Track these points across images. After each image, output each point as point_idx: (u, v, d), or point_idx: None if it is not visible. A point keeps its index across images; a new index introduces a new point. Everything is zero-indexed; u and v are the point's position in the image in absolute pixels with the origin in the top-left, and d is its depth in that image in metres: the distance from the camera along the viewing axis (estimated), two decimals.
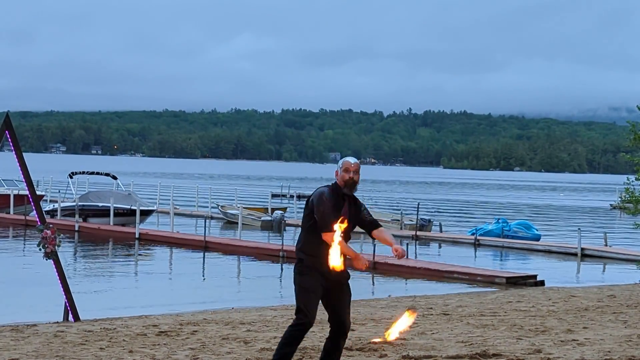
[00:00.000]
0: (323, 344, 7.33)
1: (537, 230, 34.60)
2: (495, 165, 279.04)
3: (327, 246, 6.86)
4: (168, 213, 35.07)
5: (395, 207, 51.48)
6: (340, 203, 6.92)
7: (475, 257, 28.96)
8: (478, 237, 32.29)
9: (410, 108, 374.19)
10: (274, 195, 49.35)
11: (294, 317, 6.93)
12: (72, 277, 18.17)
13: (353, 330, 10.91)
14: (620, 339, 10.23)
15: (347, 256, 6.96)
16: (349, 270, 7.05)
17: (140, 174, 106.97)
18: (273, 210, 40.67)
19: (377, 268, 23.32)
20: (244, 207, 35.87)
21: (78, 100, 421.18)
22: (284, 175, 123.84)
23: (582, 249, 28.97)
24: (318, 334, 10.01)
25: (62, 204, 36.72)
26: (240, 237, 29.88)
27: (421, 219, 36.08)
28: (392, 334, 9.28)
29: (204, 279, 22.67)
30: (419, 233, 33.62)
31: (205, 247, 28.00)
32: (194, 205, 45.42)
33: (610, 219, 54.96)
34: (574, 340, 10.08)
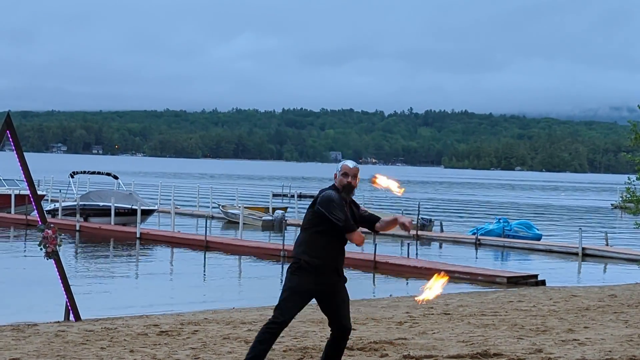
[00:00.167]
0: (324, 343, 7.32)
1: (538, 230, 34.59)
2: (496, 165, 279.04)
3: (332, 249, 6.84)
4: (169, 213, 35.07)
5: (396, 207, 51.49)
6: (344, 205, 6.93)
7: (476, 256, 28.96)
8: (479, 237, 32.28)
9: (411, 108, 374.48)
10: (275, 195, 49.38)
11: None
12: (73, 276, 18.16)
13: (354, 329, 10.91)
14: (621, 338, 10.23)
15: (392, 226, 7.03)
16: (345, 273, 7.05)
17: (141, 173, 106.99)
18: (274, 210, 40.68)
19: (377, 268, 23.32)
20: (245, 207, 35.87)
21: (79, 99, 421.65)
22: (285, 174, 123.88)
23: (583, 249, 28.97)
24: (319, 334, 10.02)
25: (63, 204, 36.73)
26: (241, 237, 29.89)
27: (422, 218, 36.08)
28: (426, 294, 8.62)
29: (204, 279, 22.67)
30: (419, 233, 33.61)
31: (206, 246, 28.00)
32: (195, 205, 45.43)
33: (611, 218, 54.94)
34: (575, 339, 10.08)
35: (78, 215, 33.66)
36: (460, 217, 50.51)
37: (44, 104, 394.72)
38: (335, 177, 6.99)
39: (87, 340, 9.71)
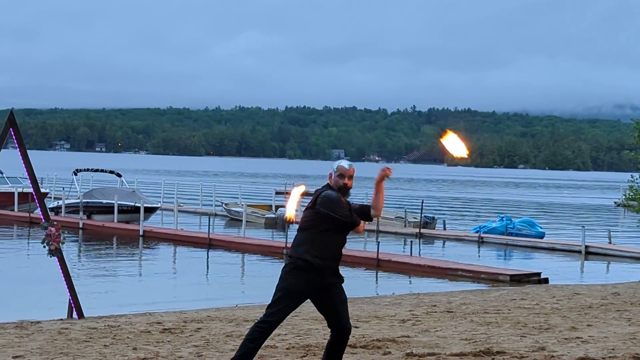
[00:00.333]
0: (327, 341, 7.31)
1: (541, 227, 34.56)
2: (499, 163, 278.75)
3: (334, 248, 6.84)
4: (172, 210, 35.09)
5: (399, 205, 51.48)
6: (344, 202, 6.94)
7: (479, 254, 28.94)
8: (482, 235, 32.26)
9: (414, 105, 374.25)
10: (277, 193, 49.39)
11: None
12: (76, 274, 18.19)
13: (357, 327, 10.91)
14: (624, 336, 10.22)
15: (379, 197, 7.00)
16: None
17: (144, 171, 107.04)
18: (277, 207, 40.67)
19: (380, 265, 23.32)
20: (247, 205, 35.89)
21: (82, 97, 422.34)
22: (288, 172, 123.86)
23: (586, 247, 28.93)
24: (322, 331, 10.03)
25: (66, 201, 36.76)
26: (244, 235, 29.89)
27: (425, 216, 36.07)
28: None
29: (207, 277, 22.68)
30: (422, 231, 33.62)
31: (209, 244, 28.01)
32: (198, 203, 45.45)
33: (615, 216, 54.89)
34: (578, 337, 10.08)
35: (81, 213, 33.68)
36: (463, 215, 50.48)
37: (47, 102, 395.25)
38: (330, 177, 6.94)
39: (90, 338, 9.72)
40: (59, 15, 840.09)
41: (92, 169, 41.76)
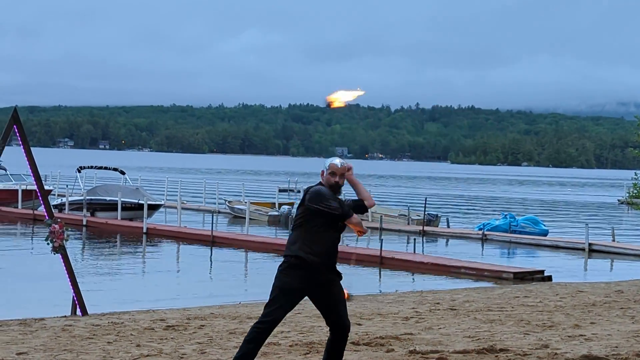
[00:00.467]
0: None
1: (544, 225, 34.53)
2: (503, 161, 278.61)
3: (328, 244, 6.78)
4: (176, 208, 35.11)
5: (403, 203, 51.47)
6: (335, 196, 6.89)
7: (483, 252, 28.93)
8: (485, 233, 32.24)
9: (417, 103, 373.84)
10: (281, 190, 49.38)
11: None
12: (79, 271, 18.22)
13: (360, 325, 10.92)
14: (628, 334, 10.22)
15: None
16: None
17: (147, 168, 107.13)
18: (280, 205, 40.69)
19: (384, 263, 23.32)
20: (251, 202, 35.89)
21: (86, 95, 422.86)
22: (291, 170, 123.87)
23: (590, 245, 28.90)
24: (325, 329, 10.02)
25: (70, 199, 36.81)
26: (248, 232, 29.91)
27: (428, 214, 36.06)
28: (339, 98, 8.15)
29: (211, 274, 22.70)
30: (426, 228, 33.61)
31: (212, 241, 28.03)
32: (202, 200, 45.48)
33: (618, 214, 54.84)
34: (581, 335, 10.08)
35: (85, 210, 33.72)
36: (467, 212, 50.47)
37: (50, 99, 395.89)
38: (322, 175, 6.92)
39: (93, 335, 9.74)
40: (63, 12, 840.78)
41: (95, 167, 41.80)
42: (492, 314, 12.27)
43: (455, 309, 12.83)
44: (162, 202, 37.16)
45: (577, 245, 29.60)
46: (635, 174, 22.99)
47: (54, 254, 12.05)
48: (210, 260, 24.99)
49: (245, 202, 35.51)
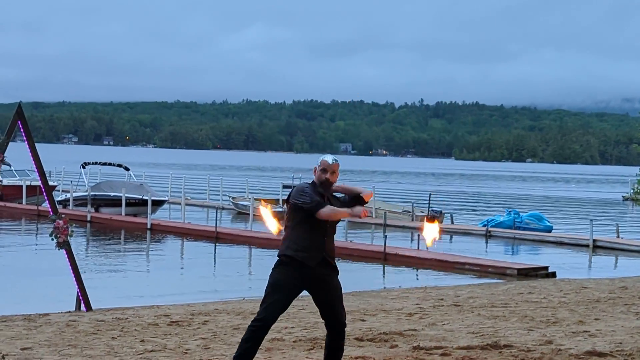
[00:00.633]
0: None
1: (548, 221, 34.50)
2: (507, 157, 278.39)
3: (315, 238, 6.74)
4: (180, 204, 35.13)
5: (407, 199, 51.45)
6: (316, 193, 6.82)
7: (487, 248, 28.92)
8: (489, 229, 32.23)
9: (422, 99, 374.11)
10: (285, 187, 49.38)
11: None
12: (84, 267, 18.24)
13: (364, 321, 10.93)
14: (632, 330, 10.21)
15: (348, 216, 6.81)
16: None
17: (151, 164, 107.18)
18: (284, 201, 40.64)
19: (388, 259, 23.32)
20: (255, 198, 35.88)
21: (90, 91, 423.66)
22: (295, 166, 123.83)
23: (594, 241, 28.88)
24: None
25: (74, 194, 36.84)
26: (252, 228, 29.92)
27: (432, 210, 36.05)
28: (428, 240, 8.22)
29: (215, 270, 22.72)
30: None
31: (216, 237, 28.05)
32: (206, 196, 45.50)
33: (623, 210, 54.78)
34: (585, 331, 10.07)
35: (89, 206, 33.76)
36: (471, 209, 50.44)
37: (55, 95, 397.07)
38: (315, 172, 6.91)
39: (98, 330, 9.75)
40: (67, 8, 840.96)
41: (100, 162, 41.82)
42: (496, 310, 12.27)
43: (459, 305, 12.83)
44: (166, 198, 37.19)
45: (582, 242, 29.58)
46: None
47: (58, 249, 12.07)
48: (214, 256, 25.01)
49: (249, 198, 35.52)
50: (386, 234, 25.99)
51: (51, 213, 12.07)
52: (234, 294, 16.47)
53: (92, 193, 34.99)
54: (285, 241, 6.87)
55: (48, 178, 13.01)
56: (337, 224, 7.00)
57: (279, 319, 6.96)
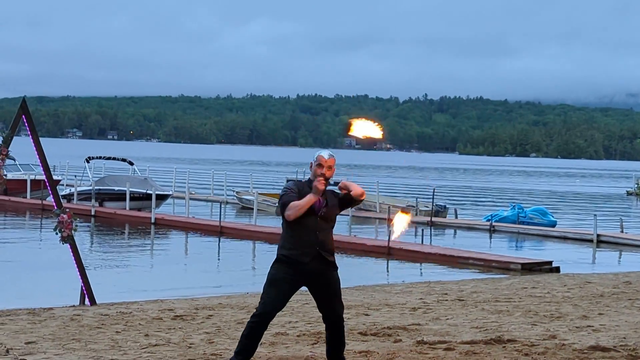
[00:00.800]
0: None
1: (552, 216, 34.46)
2: (511, 152, 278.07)
3: (305, 235, 6.74)
4: (184, 198, 35.15)
5: (411, 193, 51.42)
6: (297, 189, 6.83)
7: (491, 243, 28.90)
8: (493, 224, 32.20)
9: (426, 94, 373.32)
10: (289, 181, 49.37)
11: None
12: (88, 261, 18.27)
13: (368, 315, 10.94)
14: (636, 325, 10.21)
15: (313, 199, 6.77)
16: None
17: (156, 159, 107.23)
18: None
19: (391, 254, 23.33)
20: (259, 193, 35.91)
21: (94, 85, 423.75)
22: (299, 160, 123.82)
23: (598, 235, 28.84)
24: None
25: (79, 189, 36.87)
26: (256, 223, 29.92)
27: (436, 205, 36.00)
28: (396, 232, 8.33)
29: (219, 264, 22.74)
30: (434, 219, 33.57)
31: (220, 232, 28.06)
32: (210, 191, 45.51)
33: (627, 205, 54.71)
34: (589, 326, 10.07)
35: (93, 200, 33.79)
36: (475, 203, 50.41)
37: (59, 90, 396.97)
38: (311, 167, 6.91)
39: (102, 324, 9.77)
40: (72, 3, 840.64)
41: (104, 157, 41.85)
42: (499, 304, 12.27)
43: (463, 300, 12.83)
44: (170, 193, 37.20)
45: (586, 237, 29.54)
46: None
47: (63, 243, 12.09)
48: (218, 251, 25.03)
49: (253, 193, 35.52)
50: (390, 229, 25.98)
51: (55, 207, 12.09)
52: (237, 288, 16.49)
53: (96, 187, 35.02)
54: (280, 240, 6.94)
55: (52, 172, 13.03)
56: (335, 217, 6.95)
57: (282, 313, 6.98)
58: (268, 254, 24.42)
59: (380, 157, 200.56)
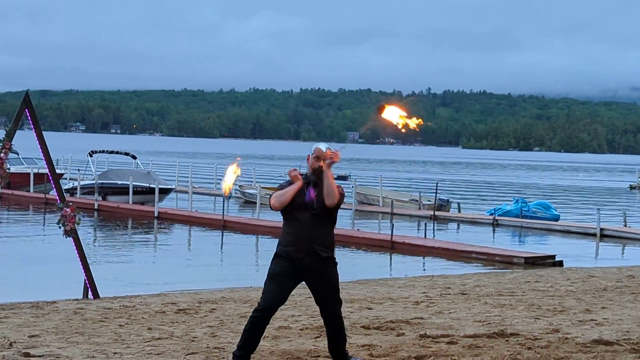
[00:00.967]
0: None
1: (556, 210, 34.42)
2: (515, 146, 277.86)
3: (300, 231, 6.76)
4: (187, 192, 35.16)
5: (414, 187, 51.42)
6: (302, 190, 6.81)
7: (494, 237, 28.89)
8: (497, 218, 32.18)
9: (429, 88, 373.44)
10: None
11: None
12: (91, 255, 18.28)
13: (370, 309, 10.94)
14: (639, 319, 10.20)
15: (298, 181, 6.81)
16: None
17: (159, 153, 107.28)
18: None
19: (395, 248, 23.33)
20: (262, 187, 35.90)
21: (97, 79, 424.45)
22: (302, 154, 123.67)
23: (601, 229, 28.81)
24: None
25: (82, 182, 36.89)
26: (259, 217, 29.94)
27: (439, 199, 35.98)
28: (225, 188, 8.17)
29: (222, 258, 22.75)
30: (437, 213, 33.56)
31: (223, 226, 28.08)
32: (213, 185, 45.53)
33: (630, 199, 54.65)
34: (592, 320, 10.07)
35: (96, 194, 33.81)
36: (478, 197, 50.38)
37: (62, 83, 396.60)
38: (308, 160, 6.91)
39: (105, 318, 9.78)
40: None
41: (107, 151, 41.87)
42: (502, 298, 12.26)
43: (465, 294, 12.83)
44: (173, 187, 37.22)
45: (589, 231, 29.52)
46: None
47: (66, 237, 12.10)
48: (221, 245, 25.05)
49: (257, 187, 35.53)
50: (393, 222, 25.99)
51: (58, 201, 12.09)
52: (240, 282, 16.49)
53: (99, 181, 35.04)
54: (279, 238, 7.01)
55: (55, 166, 13.03)
56: (333, 212, 6.86)
57: (284, 307, 6.99)
58: (271, 248, 24.36)
59: (384, 151, 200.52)
